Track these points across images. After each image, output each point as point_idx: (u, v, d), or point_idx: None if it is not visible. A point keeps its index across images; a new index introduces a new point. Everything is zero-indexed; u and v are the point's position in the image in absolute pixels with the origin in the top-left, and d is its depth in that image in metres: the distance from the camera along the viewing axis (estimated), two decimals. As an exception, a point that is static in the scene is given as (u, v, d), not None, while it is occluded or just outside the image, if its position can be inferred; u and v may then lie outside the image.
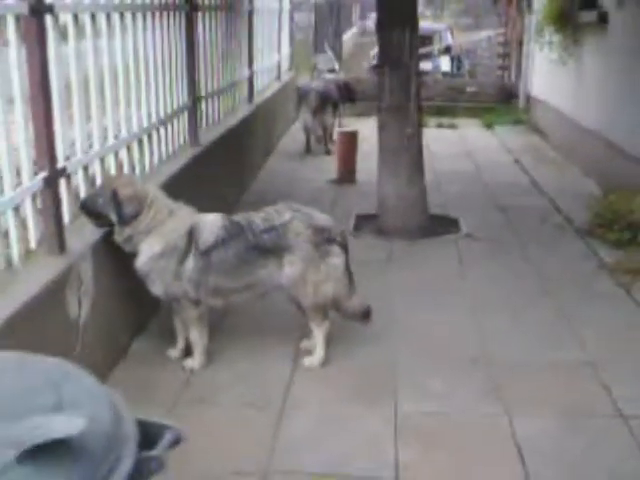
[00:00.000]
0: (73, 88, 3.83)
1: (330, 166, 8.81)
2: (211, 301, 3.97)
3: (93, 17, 3.98)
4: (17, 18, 3.15)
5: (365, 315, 4.17)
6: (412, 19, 6.00)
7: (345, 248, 4.03)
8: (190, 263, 3.81)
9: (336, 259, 3.94)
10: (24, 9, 3.14)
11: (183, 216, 3.89)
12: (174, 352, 4.15)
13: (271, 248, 3.87)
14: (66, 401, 1.20)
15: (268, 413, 3.64)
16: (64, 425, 1.11)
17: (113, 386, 3.57)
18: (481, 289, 5.25)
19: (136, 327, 4.40)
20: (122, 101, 4.53)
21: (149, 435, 1.30)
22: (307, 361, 4.08)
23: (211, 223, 3.89)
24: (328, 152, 9.88)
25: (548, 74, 10.76)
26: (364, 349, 4.29)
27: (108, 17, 4.19)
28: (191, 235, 3.82)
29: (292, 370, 4.06)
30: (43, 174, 3.40)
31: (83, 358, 3.57)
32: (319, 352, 4.07)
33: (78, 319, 3.56)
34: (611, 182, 7.42)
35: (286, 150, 10.41)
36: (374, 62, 16.22)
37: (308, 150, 10.14)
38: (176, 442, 1.32)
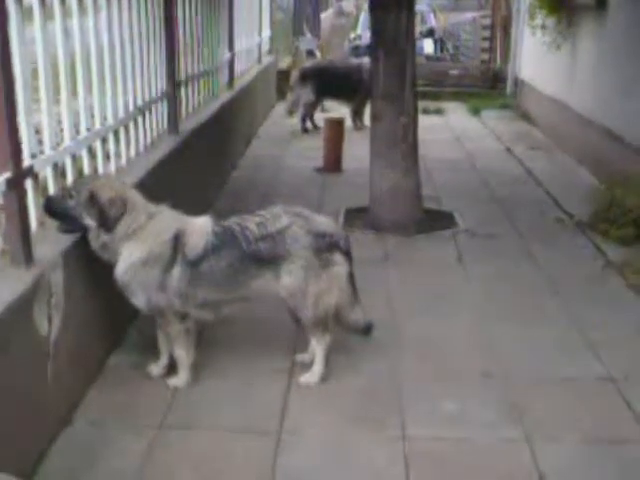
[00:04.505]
0: (40, 75, 3.38)
1: (314, 153, 8.41)
2: (199, 314, 3.57)
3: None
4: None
5: (367, 329, 3.79)
6: (409, 1, 5.58)
7: (349, 255, 3.63)
8: (176, 273, 3.41)
9: (339, 268, 3.55)
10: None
11: (166, 220, 3.46)
12: (156, 369, 3.74)
13: (267, 257, 3.47)
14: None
15: (263, 441, 3.26)
16: None
17: (89, 409, 3.22)
18: (485, 291, 4.90)
19: (112, 340, 3.99)
20: (95, 89, 4.07)
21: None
22: (304, 378, 3.70)
23: (200, 229, 3.48)
24: (304, 130, 10.20)
25: (539, 58, 10.39)
26: (365, 363, 3.92)
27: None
28: (177, 242, 3.40)
29: (287, 388, 3.68)
30: (6, 175, 2.96)
31: (56, 378, 3.18)
32: (318, 369, 3.69)
33: (49, 336, 3.15)
34: (607, 171, 7.11)
35: (267, 136, 9.99)
36: (355, 44, 15.82)
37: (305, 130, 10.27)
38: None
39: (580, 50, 8.63)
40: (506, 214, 6.60)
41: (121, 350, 4.00)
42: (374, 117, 5.94)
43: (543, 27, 9.33)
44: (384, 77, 5.69)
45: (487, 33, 14.42)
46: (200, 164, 6.21)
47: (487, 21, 14.51)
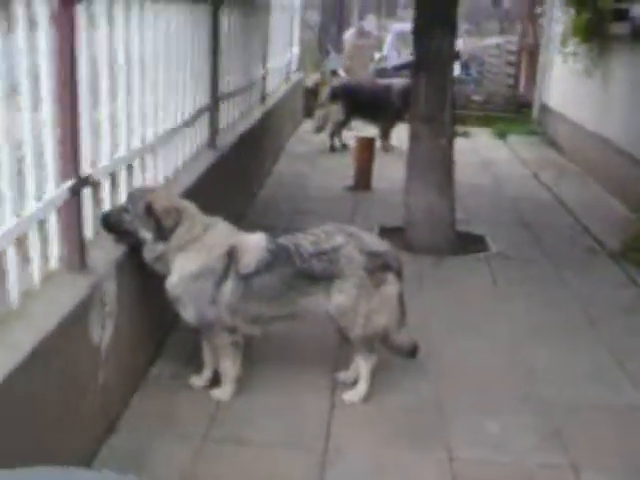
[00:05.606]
0: (102, 83, 3.42)
1: (343, 171, 8.44)
2: (248, 329, 3.58)
3: (128, 5, 3.56)
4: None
5: (412, 351, 3.80)
6: (452, 25, 5.64)
7: (399, 275, 3.64)
8: (228, 287, 3.41)
9: (390, 288, 3.56)
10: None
11: (221, 234, 3.49)
12: (199, 381, 3.74)
13: (320, 275, 3.47)
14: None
15: (309, 457, 3.25)
16: None
17: (133, 417, 3.22)
18: (521, 316, 4.89)
19: (154, 350, 4.00)
20: (149, 100, 4.11)
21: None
22: (348, 396, 3.69)
23: (254, 245, 3.49)
24: (332, 148, 10.13)
25: (568, 85, 10.41)
26: (404, 383, 3.92)
27: (142, 6, 3.78)
28: (230, 257, 3.42)
29: (330, 404, 3.67)
30: (69, 182, 2.99)
31: (104, 387, 3.19)
32: (362, 387, 3.68)
33: (100, 344, 3.16)
34: (637, 200, 7.10)
35: (295, 153, 10.02)
36: (380, 66, 15.90)
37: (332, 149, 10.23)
38: None
39: (612, 79, 8.64)
40: (536, 239, 6.60)
41: (162, 360, 4.01)
42: (413, 138, 5.96)
43: (575, 54, 9.35)
44: (425, 99, 5.72)
45: (513, 58, 14.46)
46: (234, 179, 6.25)
47: (513, 46, 14.56)
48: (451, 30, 5.61)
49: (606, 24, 8.62)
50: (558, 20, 10.63)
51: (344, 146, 10.10)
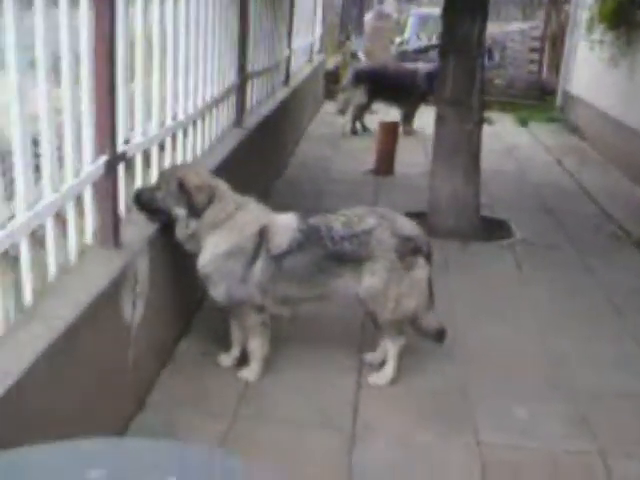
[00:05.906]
0: (137, 61, 3.42)
1: (364, 154, 8.42)
2: (277, 309, 3.58)
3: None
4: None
5: (440, 335, 3.79)
6: (484, 7, 5.58)
7: (429, 259, 3.63)
8: (259, 267, 3.41)
9: (421, 271, 3.54)
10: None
11: (253, 213, 3.48)
12: (227, 360, 3.75)
13: (350, 257, 3.45)
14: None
15: (338, 437, 3.26)
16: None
17: (162, 394, 3.23)
18: (545, 302, 4.87)
19: (181, 328, 4.02)
20: (181, 78, 4.10)
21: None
22: (374, 378, 3.70)
23: (285, 225, 3.47)
24: (353, 131, 10.10)
25: (594, 73, 10.30)
26: (430, 366, 3.92)
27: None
28: (262, 236, 3.41)
29: (357, 385, 3.68)
30: (104, 157, 2.99)
31: (135, 364, 3.21)
32: (389, 369, 3.68)
33: (131, 322, 3.17)
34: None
35: (316, 135, 9.99)
36: (402, 49, 15.80)
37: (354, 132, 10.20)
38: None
39: (639, 67, 8.54)
40: (561, 226, 6.56)
41: (190, 338, 4.02)
42: (439, 121, 5.92)
43: (601, 42, 9.25)
44: (453, 82, 5.68)
45: (536, 44, 14.32)
46: (259, 158, 6.23)
47: (537, 32, 14.42)
48: (482, 15, 5.55)
49: (634, 11, 8.52)
50: (584, 6, 10.52)
51: (365, 129, 10.07)
